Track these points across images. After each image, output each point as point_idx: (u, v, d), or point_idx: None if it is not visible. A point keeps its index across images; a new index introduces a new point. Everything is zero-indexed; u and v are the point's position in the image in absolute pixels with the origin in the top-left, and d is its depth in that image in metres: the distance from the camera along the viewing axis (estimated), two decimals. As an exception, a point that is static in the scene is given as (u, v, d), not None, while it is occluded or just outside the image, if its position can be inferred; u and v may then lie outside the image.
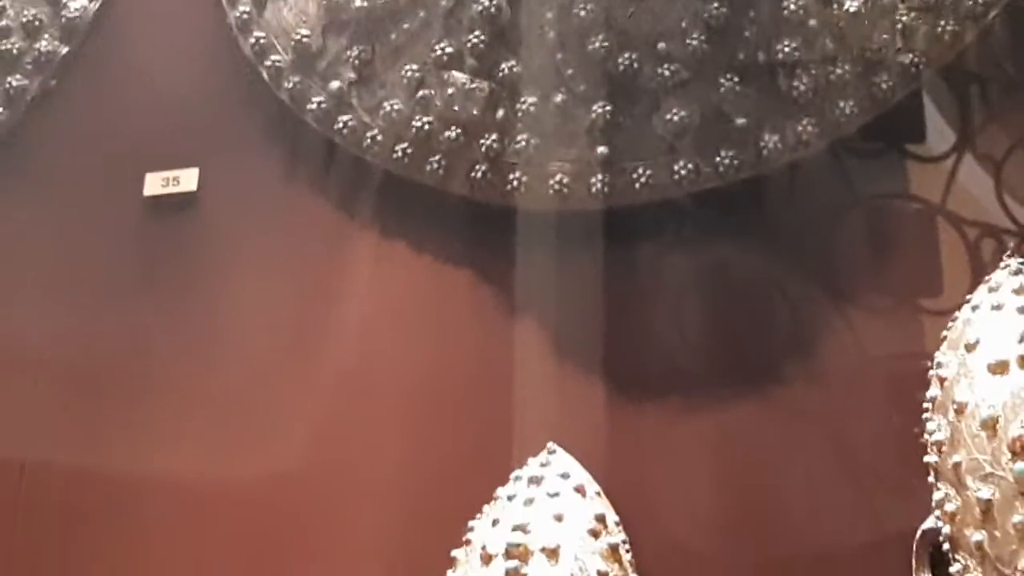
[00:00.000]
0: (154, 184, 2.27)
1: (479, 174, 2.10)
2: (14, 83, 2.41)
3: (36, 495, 2.16)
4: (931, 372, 1.78)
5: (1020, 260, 1.81)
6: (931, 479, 1.74)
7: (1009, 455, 1.63)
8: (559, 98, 2.08)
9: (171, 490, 2.13)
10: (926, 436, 1.75)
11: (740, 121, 2.00)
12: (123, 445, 2.19)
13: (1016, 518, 1.60)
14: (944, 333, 1.79)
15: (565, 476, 1.84)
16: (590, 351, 2.05)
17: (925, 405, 1.77)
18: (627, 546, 1.81)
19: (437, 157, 2.13)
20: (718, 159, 2.00)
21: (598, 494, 1.84)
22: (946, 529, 1.71)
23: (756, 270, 2.06)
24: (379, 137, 2.17)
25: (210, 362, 2.22)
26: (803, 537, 1.91)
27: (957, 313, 1.79)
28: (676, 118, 2.00)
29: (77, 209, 2.36)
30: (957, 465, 1.67)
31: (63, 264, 2.34)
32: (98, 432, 2.21)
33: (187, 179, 2.26)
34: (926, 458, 1.75)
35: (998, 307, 1.73)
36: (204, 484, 2.13)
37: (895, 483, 1.86)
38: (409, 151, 2.15)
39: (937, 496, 1.72)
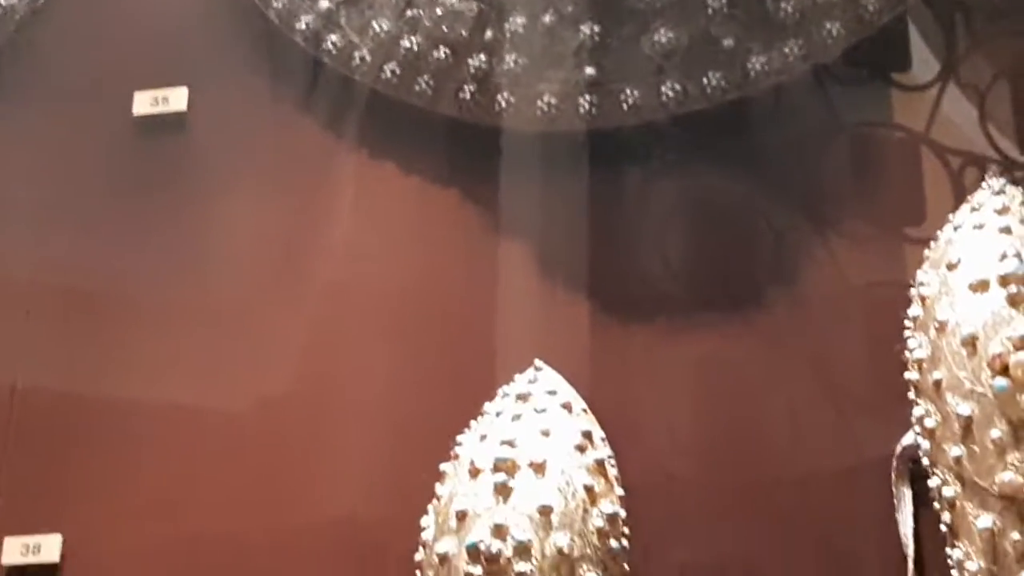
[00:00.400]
0: (143, 103, 2.26)
1: (467, 95, 2.10)
2: (2, 3, 2.38)
3: (27, 418, 2.15)
4: (913, 291, 1.80)
5: (1002, 180, 1.82)
6: (911, 396, 1.77)
7: (989, 372, 1.65)
8: (547, 19, 2.08)
9: (162, 411, 2.13)
10: (907, 354, 1.78)
11: (727, 43, 2.00)
12: (114, 367, 2.18)
13: (995, 433, 1.63)
14: (926, 253, 1.82)
15: (552, 393, 1.85)
16: (576, 272, 2.06)
17: (907, 323, 1.80)
18: (612, 461, 1.82)
19: (425, 77, 2.13)
20: (705, 81, 2.00)
21: (584, 411, 1.85)
22: (925, 445, 1.74)
23: (740, 196, 2.07)
24: (367, 57, 2.16)
25: (200, 282, 2.20)
26: (782, 454, 1.93)
27: (939, 232, 1.82)
28: (664, 39, 2.01)
29: (66, 129, 2.33)
30: (938, 382, 1.70)
31: (52, 184, 2.31)
32: (88, 354, 2.19)
33: (176, 98, 2.26)
34: (907, 375, 1.78)
35: (979, 227, 1.76)
36: (194, 404, 2.12)
37: (875, 408, 1.88)
38: (397, 72, 2.15)
39: (917, 412, 1.75)
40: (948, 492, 1.68)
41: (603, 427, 1.86)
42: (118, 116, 2.28)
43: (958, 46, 2.08)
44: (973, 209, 1.79)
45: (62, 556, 2.01)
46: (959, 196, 1.92)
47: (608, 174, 2.10)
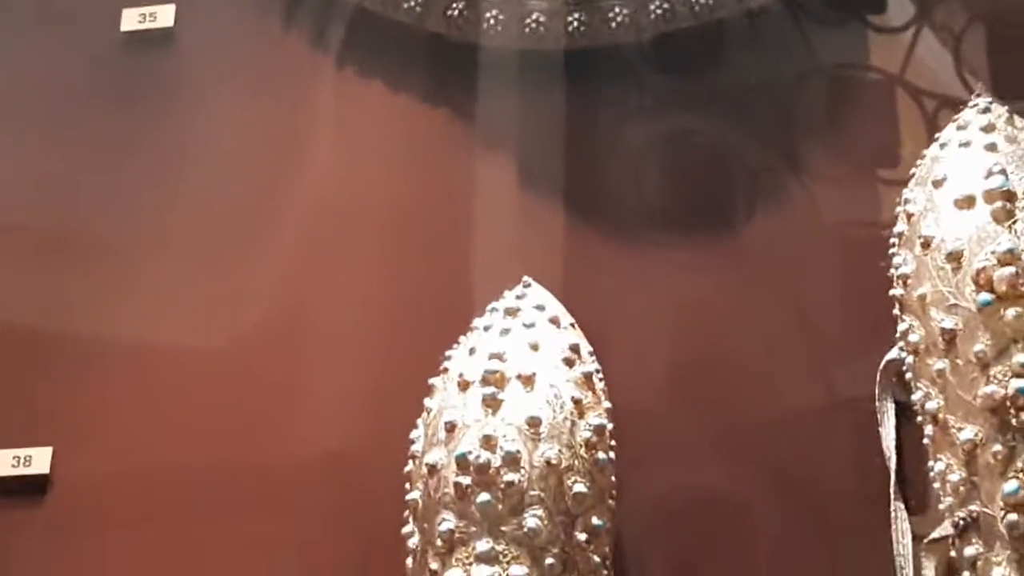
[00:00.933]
0: (131, 19, 2.24)
1: (456, 12, 2.10)
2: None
3: (14, 335, 2.16)
4: (898, 208, 1.81)
5: (988, 99, 1.83)
6: (896, 311, 1.78)
7: (973, 287, 1.67)
8: (532, -64, 2.06)
9: (149, 331, 2.13)
10: (892, 270, 1.80)
11: None
12: (100, 287, 2.17)
13: (978, 347, 1.65)
14: (912, 171, 1.82)
15: (540, 308, 1.86)
16: (561, 190, 2.08)
17: (892, 240, 1.81)
18: (600, 375, 1.84)
19: None
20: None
21: (572, 325, 1.86)
22: (909, 359, 1.76)
23: (716, 134, 2.09)
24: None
25: (183, 196, 2.20)
26: (754, 381, 1.96)
27: (925, 151, 1.82)
28: None
29: (54, 45, 2.31)
30: (922, 297, 1.72)
31: (39, 101, 2.30)
32: (74, 273, 2.19)
33: (164, 15, 2.24)
34: (892, 291, 1.79)
35: (966, 144, 1.77)
36: (179, 326, 2.13)
37: (851, 348, 1.91)
38: (387, -13, 2.14)
39: (902, 327, 1.77)
40: (931, 405, 1.70)
41: (591, 341, 1.87)
42: (106, 32, 2.27)
43: None
44: (959, 127, 1.80)
45: (52, 468, 2.02)
46: (934, 138, 1.92)
47: (590, 95, 2.11)
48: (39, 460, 2.01)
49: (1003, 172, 1.70)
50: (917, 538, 1.75)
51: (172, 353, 2.11)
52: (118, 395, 2.09)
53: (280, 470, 2.00)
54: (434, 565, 1.71)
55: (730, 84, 2.09)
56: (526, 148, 2.10)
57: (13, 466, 2.01)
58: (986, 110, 1.79)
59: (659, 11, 2.01)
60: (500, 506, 1.70)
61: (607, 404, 1.82)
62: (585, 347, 1.84)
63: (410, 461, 1.81)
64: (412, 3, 2.11)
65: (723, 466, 1.92)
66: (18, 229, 2.24)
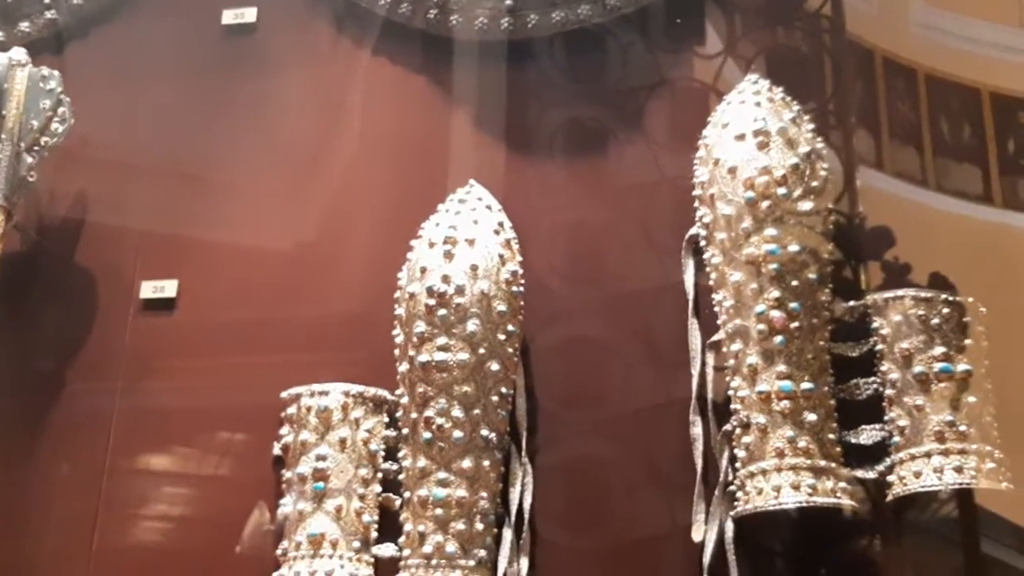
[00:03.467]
0: (228, 16, 2.14)
1: (432, 15, 2.06)
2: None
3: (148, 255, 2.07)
4: (700, 142, 1.80)
5: (757, 75, 1.81)
6: (696, 204, 1.79)
7: (743, 188, 1.68)
8: (483, -34, 2.03)
9: (237, 226, 2.05)
10: (694, 180, 1.79)
11: None
12: (207, 198, 2.08)
13: (743, 225, 1.69)
14: (709, 118, 1.81)
15: (479, 199, 1.85)
16: (498, 130, 2.03)
17: (694, 161, 1.80)
18: (516, 242, 1.83)
19: (406, 4, 2.07)
20: (580, 11, 1.99)
21: (500, 211, 1.85)
22: (703, 232, 1.77)
23: (595, 111, 2.02)
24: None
25: (264, 144, 2.10)
26: (617, 267, 1.91)
27: (729, 97, 1.79)
28: None
29: (176, 32, 2.19)
30: (711, 195, 1.75)
31: (169, 73, 2.18)
32: (191, 193, 2.09)
33: (249, 14, 2.14)
34: (694, 192, 1.79)
35: (742, 102, 1.78)
36: (260, 221, 2.05)
37: (672, 239, 1.83)
38: (388, 1, 2.09)
39: (699, 215, 1.80)
40: (715, 260, 1.74)
41: (512, 221, 1.85)
42: (212, 25, 2.17)
43: (736, 30, 2.06)
44: (739, 91, 1.80)
45: (178, 293, 2.00)
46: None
47: (519, 71, 2.04)
48: (169, 288, 2.00)
49: (764, 119, 1.71)
50: (707, 344, 1.76)
51: (256, 236, 2.05)
52: (220, 255, 2.05)
53: (323, 304, 1.97)
54: (411, 352, 1.74)
55: (609, 86, 2.04)
56: (479, 106, 2.05)
57: (152, 292, 2.00)
58: (756, 83, 1.80)
59: (559, 17, 1.99)
60: (452, 317, 1.73)
61: (519, 258, 1.82)
62: (507, 224, 1.84)
63: (398, 292, 1.81)
64: (404, 8, 2.07)
65: (591, 308, 1.90)
66: (161, 158, 2.13)
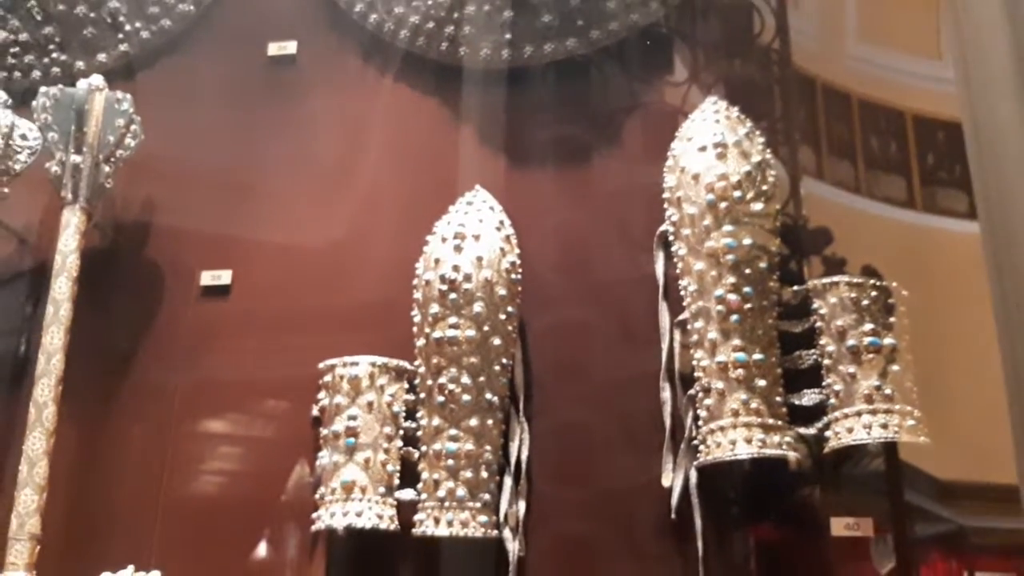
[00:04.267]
0: (273, 48, 2.13)
1: (444, 47, 2.06)
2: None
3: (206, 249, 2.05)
4: (669, 152, 1.80)
5: (716, 97, 1.82)
6: (665, 206, 1.79)
7: (704, 191, 1.68)
8: (486, 7, 2.02)
9: (273, 228, 2.01)
10: (664, 185, 1.80)
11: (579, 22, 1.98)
12: (252, 205, 2.05)
13: (705, 222, 1.70)
14: (677, 133, 1.81)
15: (484, 201, 1.86)
16: (502, 146, 2.01)
17: (666, 167, 1.80)
18: (514, 238, 1.84)
19: (422, 38, 2.07)
20: (567, 43, 1.99)
21: (500, 211, 1.86)
22: (671, 230, 1.78)
23: (577, 128, 2.01)
24: (391, 26, 2.09)
25: (301, 159, 2.08)
26: (604, 262, 1.90)
27: (693, 116, 1.79)
28: (547, 20, 1.98)
29: (227, 61, 2.17)
30: (679, 197, 1.76)
31: (221, 97, 2.16)
32: (239, 204, 2.07)
33: (290, 47, 2.13)
34: (664, 195, 1.79)
35: (704, 120, 1.78)
36: (296, 223, 2.03)
37: (646, 239, 1.82)
38: (408, 35, 2.08)
39: (668, 213, 1.79)
40: (681, 252, 1.75)
41: (512, 220, 1.86)
42: (258, 56, 2.16)
43: (699, 61, 2.06)
44: (701, 111, 1.80)
45: (232, 281, 2.00)
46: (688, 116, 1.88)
47: (516, 95, 2.03)
48: (225, 277, 2.00)
49: (722, 134, 1.72)
50: (674, 323, 1.77)
51: (295, 234, 2.03)
52: (265, 250, 2.02)
53: (353, 290, 1.96)
54: (427, 330, 1.76)
55: (590, 105, 2.03)
56: (482, 123, 2.05)
57: (211, 280, 2.00)
58: (716, 103, 1.80)
59: (549, 49, 1.99)
60: (461, 300, 1.74)
61: (517, 251, 1.83)
62: (507, 222, 1.85)
63: (416, 279, 1.82)
64: (420, 42, 2.08)
65: (577, 295, 1.89)
66: (215, 168, 2.11)
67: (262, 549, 1.79)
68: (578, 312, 1.87)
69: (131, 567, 1.53)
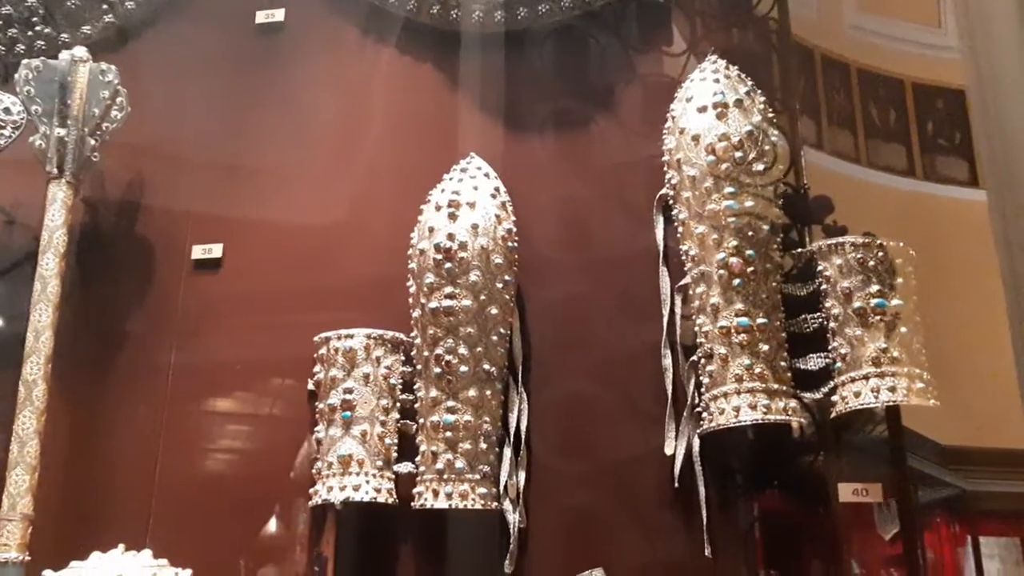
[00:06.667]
0: (261, 16, 2.06)
1: (435, 11, 2.00)
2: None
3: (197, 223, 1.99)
4: (668, 114, 1.74)
5: (716, 56, 1.76)
6: (665, 169, 1.75)
7: (704, 153, 1.63)
8: (479, -32, 1.95)
9: (268, 202, 1.97)
10: (663, 148, 1.74)
11: None
12: (244, 179, 2.01)
13: (706, 184, 1.64)
14: (676, 93, 1.76)
15: (479, 168, 1.81)
16: (498, 112, 1.96)
17: (664, 130, 1.74)
18: (510, 205, 1.79)
19: (413, 1, 2.01)
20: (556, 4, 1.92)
21: (496, 177, 1.81)
22: (671, 193, 1.74)
23: (579, 97, 1.96)
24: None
25: (291, 130, 2.03)
26: (602, 234, 1.86)
27: (692, 75, 1.73)
28: None
29: (216, 32, 2.10)
30: (678, 160, 1.71)
31: (211, 68, 2.09)
32: (229, 176, 2.02)
33: (279, 14, 2.05)
34: (663, 158, 1.74)
35: (703, 79, 1.73)
36: (290, 198, 1.98)
37: (645, 210, 1.79)
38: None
39: (667, 177, 1.75)
40: (682, 216, 1.70)
41: (508, 188, 1.80)
42: (247, 24, 2.08)
43: (697, 33, 1.99)
44: (701, 70, 1.74)
45: (223, 254, 1.95)
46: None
47: (513, 59, 1.97)
48: (215, 251, 1.95)
49: (722, 93, 1.67)
50: (675, 288, 1.72)
51: (286, 205, 1.98)
52: (256, 223, 1.98)
53: (347, 261, 1.91)
54: (423, 300, 1.71)
55: (590, 79, 1.98)
56: (478, 88, 1.99)
57: (202, 253, 1.94)
58: (715, 62, 1.75)
59: (544, 9, 1.94)
60: (456, 269, 1.69)
61: (513, 218, 1.78)
62: (502, 189, 1.80)
63: (410, 248, 1.77)
64: (411, 5, 2.01)
65: (576, 266, 1.84)
66: (204, 140, 2.05)
67: (259, 526, 1.75)
68: (578, 282, 1.83)
69: (121, 546, 1.48)
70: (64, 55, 1.88)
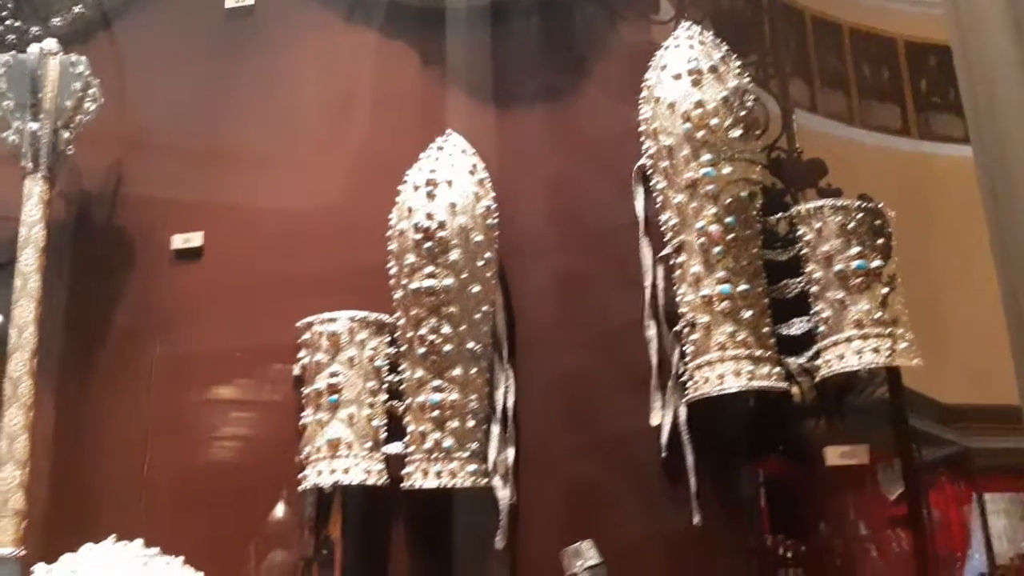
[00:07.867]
0: (230, 1, 2.05)
1: (424, -9, 1.97)
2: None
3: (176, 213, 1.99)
4: (644, 84, 1.74)
5: (692, 23, 1.75)
6: (641, 139, 1.74)
7: (681, 120, 1.64)
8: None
9: (249, 187, 1.97)
10: (640, 118, 1.74)
11: None
12: (225, 165, 2.00)
13: (683, 152, 1.64)
14: (649, 63, 1.75)
15: (456, 145, 1.80)
16: (476, 89, 1.95)
17: (639, 100, 1.74)
18: (488, 181, 1.79)
19: None
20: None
21: (474, 154, 1.80)
22: (649, 162, 1.73)
23: (566, 71, 1.95)
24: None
25: (271, 125, 2.02)
26: (587, 209, 1.84)
27: (665, 43, 1.74)
28: None
29: (185, 16, 2.09)
30: (655, 129, 1.71)
31: (182, 53, 2.07)
32: (206, 165, 2.02)
33: None
34: (640, 128, 1.74)
35: (678, 46, 1.73)
36: (271, 181, 1.98)
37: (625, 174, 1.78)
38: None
39: (644, 147, 1.75)
40: (660, 186, 1.71)
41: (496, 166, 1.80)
42: (213, 9, 2.08)
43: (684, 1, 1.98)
44: (675, 37, 1.74)
45: (204, 243, 1.96)
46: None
47: (498, 35, 1.96)
48: (196, 240, 1.95)
49: (696, 60, 1.66)
50: (656, 259, 1.72)
51: (264, 193, 1.97)
52: (235, 211, 1.98)
53: (329, 245, 1.90)
54: (404, 281, 1.72)
55: (575, 44, 1.96)
56: (459, 66, 1.97)
57: (183, 243, 1.96)
58: (688, 28, 1.74)
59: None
60: (436, 248, 1.70)
61: (492, 194, 1.78)
62: (480, 166, 1.79)
63: (389, 229, 1.77)
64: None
65: (563, 241, 1.83)
66: (180, 128, 2.04)
67: (249, 512, 1.77)
68: (564, 257, 1.83)
69: (112, 537, 1.50)
70: (33, 48, 1.89)
